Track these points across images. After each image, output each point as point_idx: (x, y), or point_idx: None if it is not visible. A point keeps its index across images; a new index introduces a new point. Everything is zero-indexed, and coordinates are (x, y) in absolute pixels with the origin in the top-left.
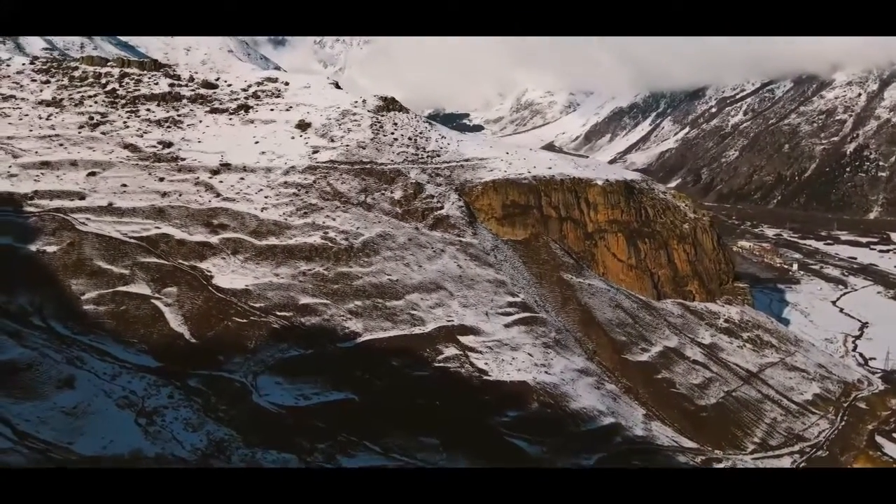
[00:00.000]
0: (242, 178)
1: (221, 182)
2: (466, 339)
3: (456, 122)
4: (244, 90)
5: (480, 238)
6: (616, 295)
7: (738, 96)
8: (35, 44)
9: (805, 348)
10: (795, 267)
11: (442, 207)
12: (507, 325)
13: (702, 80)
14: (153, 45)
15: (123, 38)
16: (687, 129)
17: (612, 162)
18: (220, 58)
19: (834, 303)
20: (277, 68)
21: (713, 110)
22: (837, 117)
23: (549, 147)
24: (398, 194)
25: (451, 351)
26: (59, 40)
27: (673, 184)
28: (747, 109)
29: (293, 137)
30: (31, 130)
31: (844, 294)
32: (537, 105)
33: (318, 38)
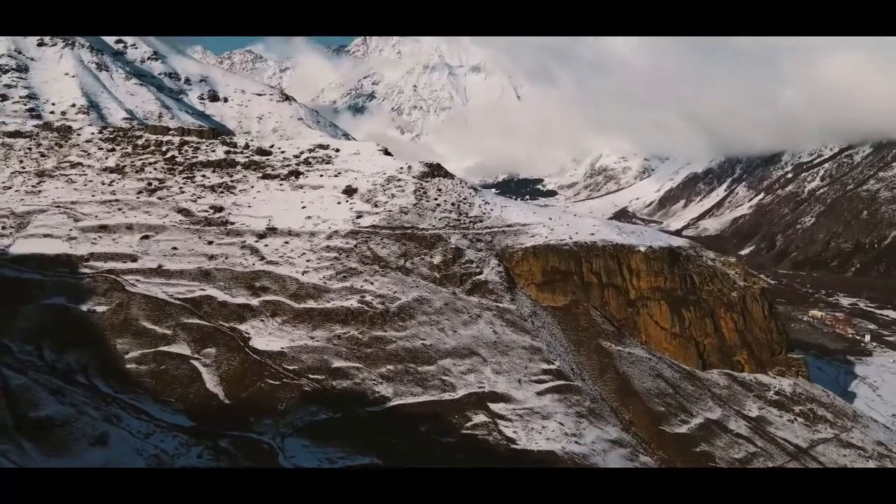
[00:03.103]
0: (287, 242)
1: (266, 246)
2: (496, 407)
3: (530, 187)
4: (296, 157)
5: (518, 304)
6: (657, 364)
7: (814, 162)
8: (116, 114)
9: (864, 424)
10: (868, 338)
11: (481, 273)
12: (539, 393)
13: (778, 145)
14: (228, 114)
15: (199, 108)
16: (762, 195)
17: (684, 228)
18: (291, 125)
19: None
20: (346, 135)
21: (789, 176)
22: None
23: (623, 212)
24: (437, 259)
25: (479, 418)
26: (139, 111)
27: (747, 250)
28: (824, 175)
29: (339, 202)
30: (93, 195)
31: None
32: (611, 170)
33: (395, 106)
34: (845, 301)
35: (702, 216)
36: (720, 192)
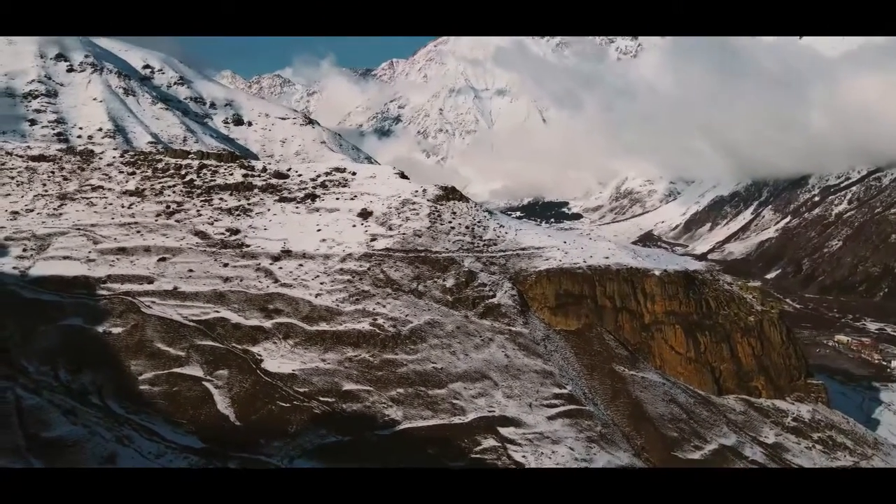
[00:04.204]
0: (301, 265)
1: (281, 268)
2: (506, 431)
3: (555, 210)
4: (313, 180)
5: (531, 328)
6: (671, 389)
7: (842, 185)
8: (142, 138)
9: (886, 452)
10: (894, 364)
11: (494, 296)
12: (550, 418)
13: (805, 168)
14: (252, 138)
15: (224, 132)
16: (788, 219)
17: (710, 251)
18: (313, 149)
19: None
20: (369, 158)
21: (816, 199)
22: None
23: (648, 236)
24: (450, 282)
25: (489, 442)
26: (164, 135)
27: (773, 274)
28: (852, 198)
29: (354, 225)
30: (112, 218)
31: None
32: (637, 193)
33: (421, 129)
34: (872, 326)
35: (727, 239)
36: (746, 216)
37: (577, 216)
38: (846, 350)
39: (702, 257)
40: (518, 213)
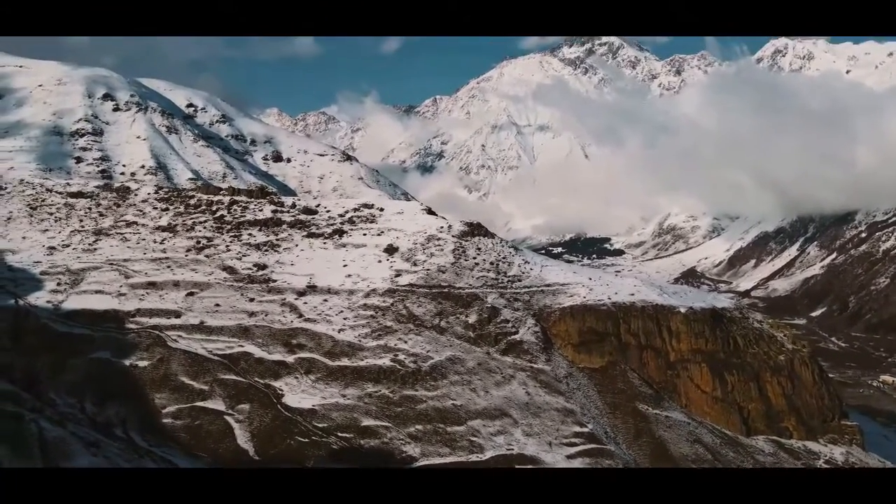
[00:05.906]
0: (326, 300)
1: (306, 303)
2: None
3: (597, 246)
4: (341, 216)
5: (554, 365)
6: (697, 429)
7: (889, 221)
8: (183, 174)
9: None
10: None
11: (516, 332)
12: (569, 457)
13: (851, 203)
14: (290, 174)
15: (263, 168)
16: (834, 255)
17: (753, 288)
18: (351, 185)
19: None
20: (405, 194)
21: (863, 235)
22: None
23: (691, 272)
24: (472, 318)
25: None
26: (204, 171)
27: (818, 312)
28: None
29: (380, 261)
30: (144, 253)
31: None
32: (680, 229)
33: (463, 165)
34: None
35: (772, 276)
36: (791, 252)
37: (620, 252)
38: (891, 391)
39: (745, 294)
40: (560, 249)
